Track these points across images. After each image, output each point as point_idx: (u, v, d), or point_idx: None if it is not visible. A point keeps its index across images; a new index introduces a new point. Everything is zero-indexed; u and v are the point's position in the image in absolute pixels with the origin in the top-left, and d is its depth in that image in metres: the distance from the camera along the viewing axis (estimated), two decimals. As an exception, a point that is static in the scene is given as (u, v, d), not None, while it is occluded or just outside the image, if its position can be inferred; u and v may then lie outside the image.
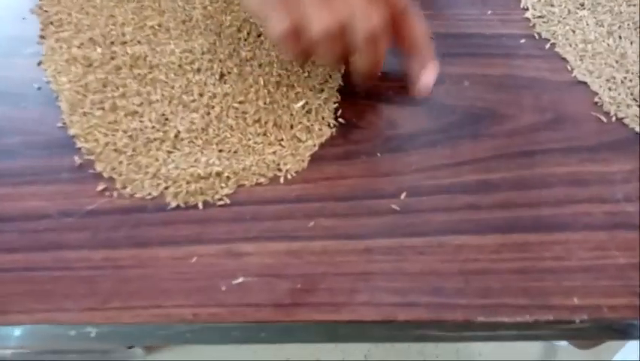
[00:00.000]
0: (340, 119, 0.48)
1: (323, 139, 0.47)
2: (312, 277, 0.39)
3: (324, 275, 0.40)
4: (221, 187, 0.44)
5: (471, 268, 0.40)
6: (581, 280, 0.40)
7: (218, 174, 0.44)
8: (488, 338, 0.40)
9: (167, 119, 0.47)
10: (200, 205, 0.43)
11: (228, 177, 0.44)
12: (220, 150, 0.46)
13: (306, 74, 0.50)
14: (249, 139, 0.46)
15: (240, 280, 0.40)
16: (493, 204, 0.43)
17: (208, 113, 0.47)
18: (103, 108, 0.48)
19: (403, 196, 0.43)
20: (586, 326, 0.39)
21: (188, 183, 0.44)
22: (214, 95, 0.48)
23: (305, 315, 0.38)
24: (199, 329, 0.39)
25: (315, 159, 0.45)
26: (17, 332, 0.39)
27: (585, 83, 0.50)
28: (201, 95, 0.49)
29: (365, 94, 0.49)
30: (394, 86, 0.50)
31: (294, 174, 0.45)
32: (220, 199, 0.44)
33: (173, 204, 0.43)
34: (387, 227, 0.42)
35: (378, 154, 0.46)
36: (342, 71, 0.50)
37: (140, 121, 0.47)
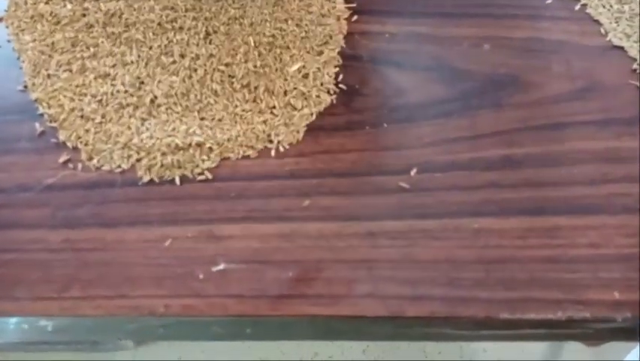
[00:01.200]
0: (341, 85, 0.42)
1: (321, 107, 0.41)
2: (305, 264, 0.34)
3: (320, 262, 0.34)
4: (202, 160, 0.38)
5: (492, 255, 0.34)
6: (621, 270, 0.34)
7: (199, 145, 0.38)
8: (512, 338, 0.35)
9: (142, 82, 0.41)
10: (177, 180, 0.37)
11: (211, 149, 0.38)
12: (202, 118, 0.40)
13: (303, 34, 0.44)
14: (236, 106, 0.40)
15: (221, 266, 0.34)
16: (518, 182, 0.37)
17: (190, 77, 0.41)
18: (70, 70, 0.42)
19: (412, 173, 0.37)
20: (628, 326, 0.33)
21: (163, 154, 0.38)
22: (197, 57, 0.42)
23: (297, 308, 0.32)
24: (173, 323, 0.34)
25: (311, 129, 0.39)
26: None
27: (621, 48, 0.44)
28: (183, 56, 0.42)
29: (370, 57, 0.43)
30: (403, 48, 0.43)
31: (287, 147, 0.39)
32: (200, 173, 0.38)
33: (146, 178, 0.37)
34: (394, 208, 0.36)
35: (385, 125, 0.40)
36: (345, 31, 0.44)
37: (112, 84, 0.41)
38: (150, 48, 0.43)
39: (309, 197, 0.36)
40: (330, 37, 0.44)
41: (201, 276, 0.33)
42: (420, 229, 0.35)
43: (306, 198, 0.36)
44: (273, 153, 0.38)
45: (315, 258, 0.34)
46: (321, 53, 0.43)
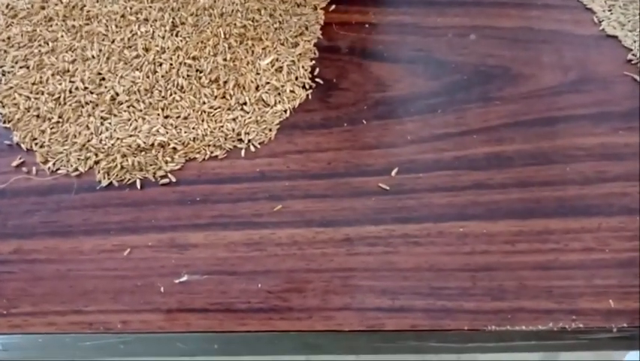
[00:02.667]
0: (318, 80, 0.39)
1: (296, 103, 0.38)
2: (276, 274, 0.31)
3: (292, 272, 0.31)
4: (166, 161, 0.35)
5: (479, 262, 0.31)
6: (618, 277, 0.31)
7: (163, 146, 0.35)
8: (501, 350, 0.32)
9: (103, 78, 0.38)
10: (138, 184, 0.34)
11: (175, 149, 0.35)
12: (166, 117, 0.37)
13: (276, 25, 0.41)
14: (204, 103, 0.37)
15: (184, 278, 0.31)
16: (507, 182, 0.34)
17: (154, 72, 0.38)
18: (27, 67, 0.39)
19: (394, 173, 0.35)
20: (624, 336, 0.30)
21: (124, 156, 0.35)
22: (162, 50, 0.39)
23: (266, 323, 0.30)
24: (133, 339, 0.31)
25: (285, 127, 0.37)
26: None
27: (615, 38, 0.41)
28: (147, 50, 0.39)
29: (348, 48, 0.40)
30: (385, 39, 0.41)
31: (258, 146, 0.36)
32: (163, 176, 0.35)
33: (105, 182, 0.35)
34: (373, 211, 0.33)
35: (364, 121, 0.37)
36: (322, 22, 0.41)
37: (71, 81, 0.38)
38: (112, 42, 0.40)
39: (281, 201, 0.33)
40: (306, 27, 0.41)
41: (162, 289, 0.31)
42: (401, 234, 0.32)
43: (277, 201, 0.33)
44: (242, 153, 0.36)
45: (286, 267, 0.31)
46: (296, 44, 0.40)
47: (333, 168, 0.35)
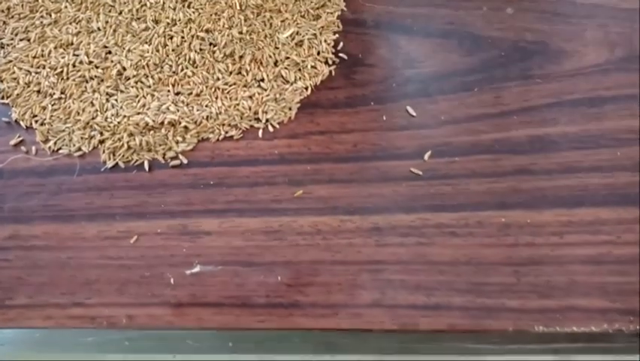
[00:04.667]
0: (341, 55, 0.36)
1: (318, 80, 0.35)
2: (298, 266, 0.28)
3: (316, 264, 0.28)
4: (177, 141, 0.32)
5: (523, 255, 0.28)
6: (678, 274, 0.28)
7: (173, 124, 0.33)
8: (545, 352, 0.29)
9: (109, 52, 0.35)
10: (147, 166, 0.32)
11: (187, 128, 0.33)
12: (177, 93, 0.34)
13: (297, -4, 0.37)
14: (218, 79, 0.34)
15: (197, 269, 0.28)
16: (552, 167, 0.31)
17: (164, 45, 0.35)
18: (28, 39, 0.37)
19: (426, 157, 0.31)
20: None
21: (131, 135, 0.32)
22: (173, 22, 0.36)
23: (287, 321, 0.27)
24: (140, 336, 0.28)
25: (306, 106, 0.34)
26: None
27: (667, 12, 0.38)
28: (157, 22, 0.36)
29: (375, 21, 0.37)
30: (414, 12, 0.37)
31: (277, 126, 0.33)
32: (174, 158, 0.32)
33: (110, 163, 0.32)
34: (404, 198, 0.30)
35: (393, 100, 0.34)
36: (346, -7, 0.38)
37: (75, 55, 0.36)
38: (120, 13, 0.37)
39: (303, 186, 0.30)
40: (329, -1, 0.38)
41: (172, 280, 0.28)
42: (435, 223, 0.29)
43: (298, 187, 0.30)
44: (260, 133, 0.33)
45: (309, 259, 0.28)
46: (317, 17, 0.37)
47: (359, 151, 0.32)
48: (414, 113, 0.33)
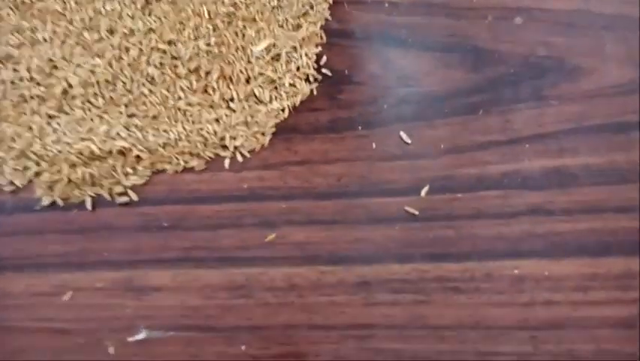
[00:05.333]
0: (325, 71, 0.31)
1: (297, 100, 0.30)
2: (268, 332, 0.23)
3: (290, 329, 0.23)
4: (126, 174, 0.27)
5: (541, 316, 0.24)
6: None
7: (123, 153, 0.28)
8: None
9: (55, 67, 0.31)
10: (89, 204, 0.27)
11: (139, 158, 0.28)
12: (131, 115, 0.29)
13: (274, 2, 0.33)
14: (179, 98, 0.29)
15: (142, 335, 0.23)
16: (572, 207, 0.27)
17: (119, 59, 0.31)
18: (-40, 51, 0.31)
19: (423, 192, 0.27)
20: None
21: (73, 166, 0.27)
22: (131, 32, 0.31)
23: (252, 401, 0.22)
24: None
25: (282, 130, 0.29)
26: None
27: (698, 24, 0.33)
28: (112, 32, 0.32)
29: (364, 33, 0.32)
30: (409, 22, 0.32)
31: (247, 155, 0.28)
32: (122, 194, 0.27)
33: (46, 200, 0.27)
34: (397, 244, 0.25)
35: (384, 125, 0.29)
36: (331, 0, 0.33)
37: (15, 70, 0.31)
38: (70, 22, 0.32)
39: (276, 228, 0.26)
40: (311, 6, 0.33)
41: (112, 349, 0.23)
42: (435, 276, 0.24)
43: (270, 229, 0.25)
44: (226, 163, 0.28)
45: (281, 322, 0.23)
46: (298, 27, 0.32)
47: (344, 186, 0.27)
48: (409, 141, 0.28)
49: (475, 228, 0.26)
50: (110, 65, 0.31)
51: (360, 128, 0.29)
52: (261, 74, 0.30)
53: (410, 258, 0.25)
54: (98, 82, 0.30)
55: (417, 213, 0.26)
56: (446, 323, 0.23)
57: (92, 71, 0.30)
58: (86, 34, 0.32)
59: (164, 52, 0.31)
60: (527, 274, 0.24)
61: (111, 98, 0.30)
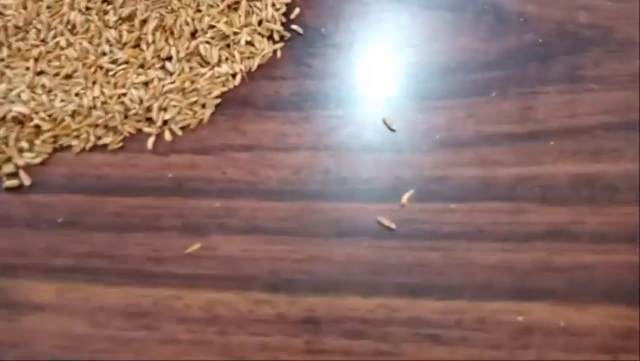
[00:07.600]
0: (295, 27, 0.24)
1: (254, 64, 0.23)
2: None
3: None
4: (21, 149, 0.21)
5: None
6: None
7: (21, 121, 0.22)
8: None
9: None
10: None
11: (39, 128, 0.21)
12: (40, 72, 0.23)
13: None
14: (103, 54, 0.23)
15: (5, 371, 0.17)
16: (608, 230, 0.20)
17: (36, 0, 0.24)
18: None
19: (405, 198, 0.20)
20: None
21: (-48, 134, 0.21)
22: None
23: None
24: None
25: (230, 103, 0.22)
26: None
27: None
28: (31, -37, 0.25)
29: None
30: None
31: (179, 133, 0.22)
32: (12, 175, 0.21)
33: None
34: (363, 268, 0.19)
35: (362, 103, 0.22)
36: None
37: None
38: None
39: (203, 235, 0.19)
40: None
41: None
42: (409, 318, 0.18)
43: (196, 236, 0.19)
44: (150, 143, 0.21)
45: (193, 366, 0.17)
46: (265, -32, 0.25)
47: (302, 182, 0.20)
48: (393, 127, 0.21)
49: (471, 252, 0.19)
50: (24, 7, 0.24)
51: (332, 106, 0.22)
52: (211, 26, 0.23)
53: (377, 289, 0.18)
54: (5, 27, 0.24)
55: (393, 226, 0.19)
56: (418, 386, 0.17)
57: (1, 13, 0.24)
58: (-2, -35, 0.25)
59: (90, -3, 0.24)
60: (536, 323, 0.18)
61: (18, 49, 0.23)
